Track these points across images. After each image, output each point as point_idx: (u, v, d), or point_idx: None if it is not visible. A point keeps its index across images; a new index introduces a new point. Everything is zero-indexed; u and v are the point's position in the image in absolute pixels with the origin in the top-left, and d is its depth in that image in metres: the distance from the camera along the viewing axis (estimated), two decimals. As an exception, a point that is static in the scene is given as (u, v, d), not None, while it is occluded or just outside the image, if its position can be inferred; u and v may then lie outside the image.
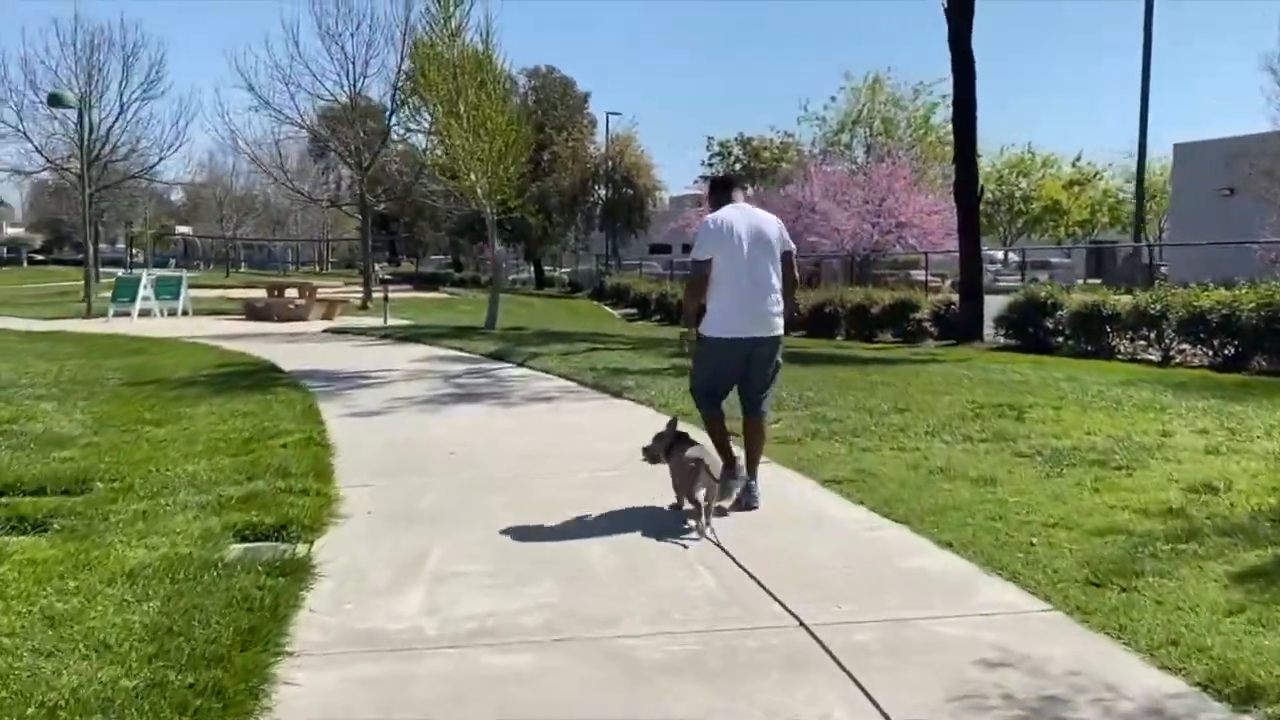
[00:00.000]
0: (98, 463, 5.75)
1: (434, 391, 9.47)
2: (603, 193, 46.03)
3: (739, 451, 5.04)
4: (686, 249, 46.44)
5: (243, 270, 61.60)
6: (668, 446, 4.84)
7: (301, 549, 4.18)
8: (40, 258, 68.86)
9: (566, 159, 44.42)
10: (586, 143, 46.80)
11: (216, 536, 4.29)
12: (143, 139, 27.42)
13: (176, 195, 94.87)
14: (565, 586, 3.81)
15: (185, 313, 21.63)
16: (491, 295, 17.49)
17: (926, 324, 18.04)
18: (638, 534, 4.50)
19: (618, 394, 8.88)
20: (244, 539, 4.32)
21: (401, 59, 22.60)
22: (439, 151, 17.71)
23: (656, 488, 4.95)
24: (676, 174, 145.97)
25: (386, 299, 19.38)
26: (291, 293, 21.29)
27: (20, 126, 25.47)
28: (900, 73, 54.11)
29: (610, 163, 45.73)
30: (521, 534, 4.53)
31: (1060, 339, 14.39)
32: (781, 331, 4.96)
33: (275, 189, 42.76)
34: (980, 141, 17.20)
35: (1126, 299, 14.07)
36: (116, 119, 26.16)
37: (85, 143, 21.45)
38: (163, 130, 28.03)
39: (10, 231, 77.32)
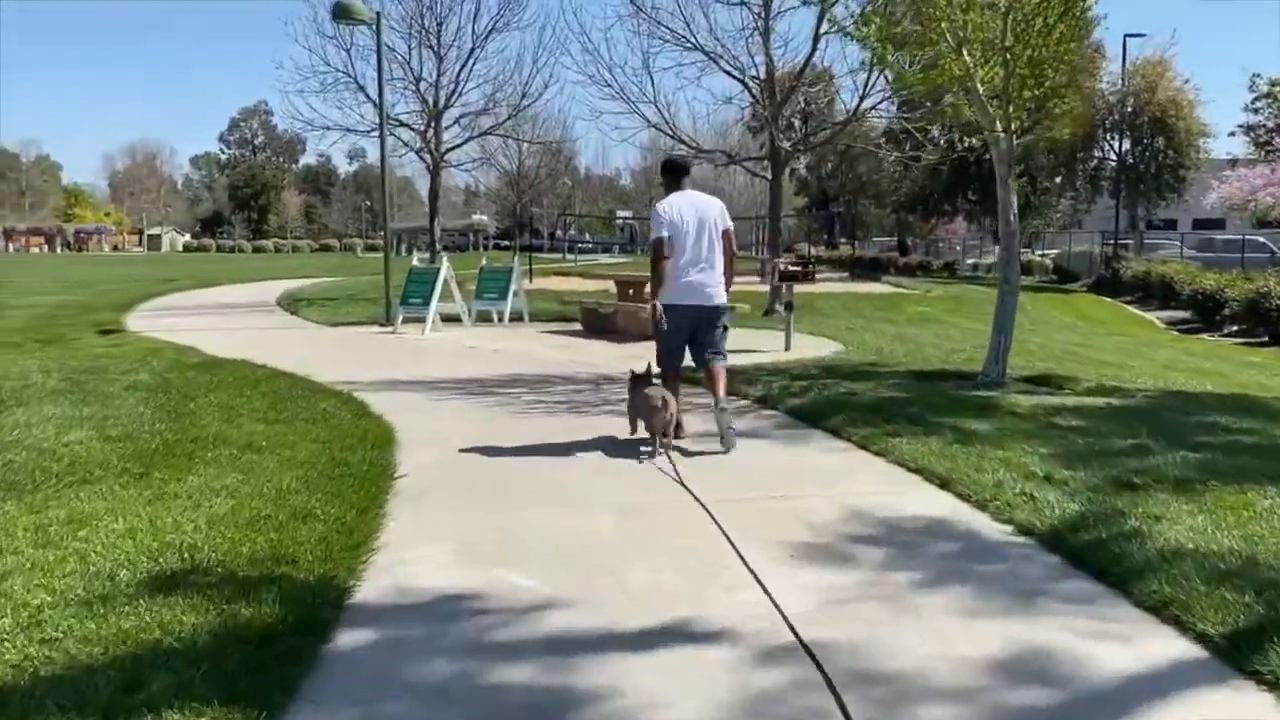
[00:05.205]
0: None
1: None
2: (1117, 144, 33.26)
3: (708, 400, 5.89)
4: (1199, 225, 32.08)
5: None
6: (633, 384, 5.72)
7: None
8: (505, 243, 70.35)
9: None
10: (1093, 80, 34.36)
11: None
12: (502, 89, 20.93)
13: (625, 180, 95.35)
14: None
15: (520, 317, 15.04)
16: (999, 310, 8.07)
17: None
18: None
19: None
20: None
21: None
22: (903, 27, 8.73)
23: None
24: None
25: (790, 308, 10.99)
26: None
27: (349, 69, 19.37)
28: None
29: (1131, 102, 32.80)
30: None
31: None
32: (723, 300, 5.79)
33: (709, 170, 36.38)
34: None
35: None
36: (468, 58, 19.96)
37: (382, 80, 15.19)
38: (522, 75, 20.93)
39: (475, 218, 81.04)
